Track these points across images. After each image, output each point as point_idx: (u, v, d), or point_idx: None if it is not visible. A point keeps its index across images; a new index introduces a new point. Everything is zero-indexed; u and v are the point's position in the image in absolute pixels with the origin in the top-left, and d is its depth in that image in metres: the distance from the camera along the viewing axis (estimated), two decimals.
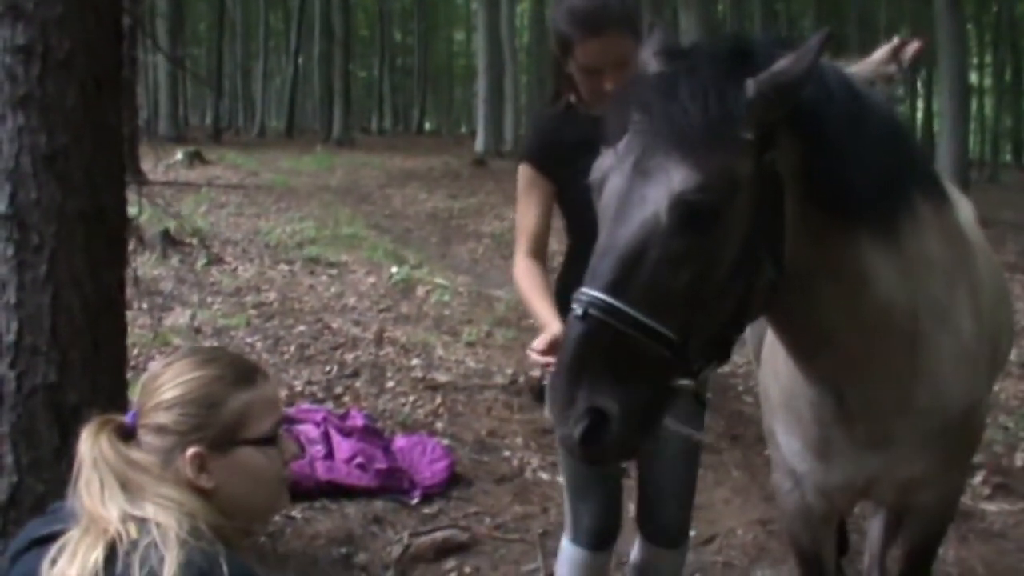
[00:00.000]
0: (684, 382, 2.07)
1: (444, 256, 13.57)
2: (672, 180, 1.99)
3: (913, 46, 4.48)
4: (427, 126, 67.56)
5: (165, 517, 1.76)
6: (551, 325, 2.68)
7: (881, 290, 2.37)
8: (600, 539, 3.37)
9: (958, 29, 19.90)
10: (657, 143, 2.04)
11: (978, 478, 5.78)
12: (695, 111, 2.00)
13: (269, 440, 1.95)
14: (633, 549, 3.59)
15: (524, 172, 3.16)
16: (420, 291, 10.23)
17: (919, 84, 44.26)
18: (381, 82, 61.27)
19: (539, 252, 3.18)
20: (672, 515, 3.42)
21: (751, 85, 2.02)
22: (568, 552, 3.43)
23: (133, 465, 1.84)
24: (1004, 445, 6.36)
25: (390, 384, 6.92)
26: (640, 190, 2.03)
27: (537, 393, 2.97)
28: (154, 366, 2.01)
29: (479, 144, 32.64)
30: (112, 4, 3.44)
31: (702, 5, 16.01)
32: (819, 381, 2.59)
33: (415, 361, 7.52)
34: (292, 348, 7.60)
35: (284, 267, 10.94)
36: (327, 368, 7.14)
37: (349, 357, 7.47)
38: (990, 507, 5.45)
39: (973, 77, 53.31)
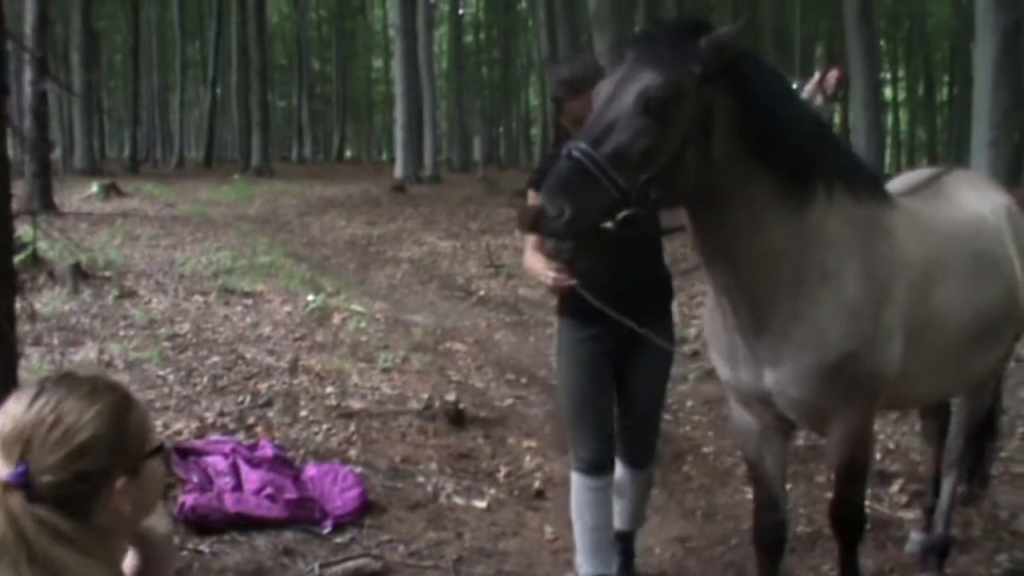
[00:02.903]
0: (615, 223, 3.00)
1: (362, 283, 13.49)
2: (641, 80, 3.03)
3: (833, 75, 4.73)
4: (347, 153, 67.33)
5: None
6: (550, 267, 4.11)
7: (774, 237, 3.28)
8: (594, 467, 4.34)
9: (869, 45, 20.28)
10: (637, 64, 3.09)
11: (895, 486, 5.87)
12: (664, 48, 3.07)
13: (161, 445, 1.91)
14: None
15: (531, 196, 4.14)
16: (336, 319, 10.13)
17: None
18: (300, 111, 60.87)
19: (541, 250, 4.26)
20: (637, 443, 4.48)
21: (703, 40, 3.05)
22: (573, 478, 4.43)
23: (59, 537, 1.71)
24: (920, 452, 6.44)
25: (303, 413, 6.82)
26: (621, 88, 3.08)
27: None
28: (19, 413, 1.79)
29: (398, 170, 32.57)
30: None
31: (615, 24, 16.11)
32: (720, 290, 3.49)
33: (329, 389, 7.43)
34: (205, 379, 7.47)
35: (199, 298, 10.78)
36: (240, 398, 7.03)
37: (263, 387, 7.36)
38: (907, 515, 5.51)
39: (888, 91, 54.52)
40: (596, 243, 3.76)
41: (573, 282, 4.06)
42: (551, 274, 4.06)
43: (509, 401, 7.77)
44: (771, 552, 3.98)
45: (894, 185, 4.32)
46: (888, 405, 4.29)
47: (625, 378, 4.43)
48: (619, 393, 4.46)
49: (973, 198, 4.20)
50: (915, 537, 4.99)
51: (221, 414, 6.63)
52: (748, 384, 3.64)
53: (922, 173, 4.64)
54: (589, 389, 4.38)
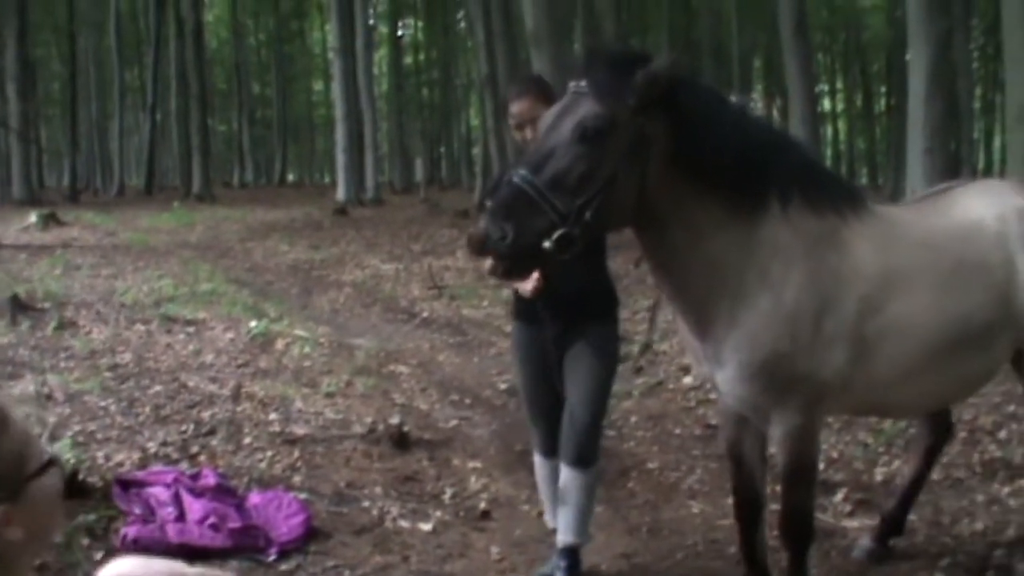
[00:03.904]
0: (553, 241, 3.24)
1: (305, 307, 13.43)
2: (578, 112, 3.32)
3: None
4: (289, 177, 67.09)
5: None
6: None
7: (714, 252, 3.55)
8: (544, 451, 4.87)
9: (806, 58, 20.49)
10: (577, 96, 3.38)
11: (839, 495, 5.93)
12: (603, 81, 3.33)
13: (49, 462, 1.85)
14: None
15: None
16: (279, 344, 10.08)
17: (775, 112, 45.49)
18: (241, 135, 60.47)
19: None
20: (575, 444, 4.59)
21: (640, 74, 3.28)
22: (535, 458, 4.99)
23: None
24: (864, 461, 6.53)
25: (247, 440, 6.79)
26: (561, 118, 3.37)
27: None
28: None
29: (340, 193, 32.54)
30: None
31: (553, 43, 16.20)
32: (668, 298, 3.83)
33: (273, 415, 7.39)
34: (147, 409, 7.40)
35: (140, 327, 10.68)
36: (183, 428, 6.97)
37: (205, 415, 7.31)
38: (851, 523, 5.57)
39: (826, 103, 55.17)
40: None
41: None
42: (529, 285, 4.41)
43: (454, 422, 7.77)
44: (750, 523, 4.23)
45: (916, 196, 4.54)
46: (870, 412, 4.55)
47: (561, 377, 4.69)
48: (566, 386, 4.71)
49: (978, 204, 4.23)
50: (864, 544, 5.08)
51: (164, 444, 6.58)
52: (710, 379, 4.02)
53: (952, 184, 4.76)
54: (531, 385, 4.83)
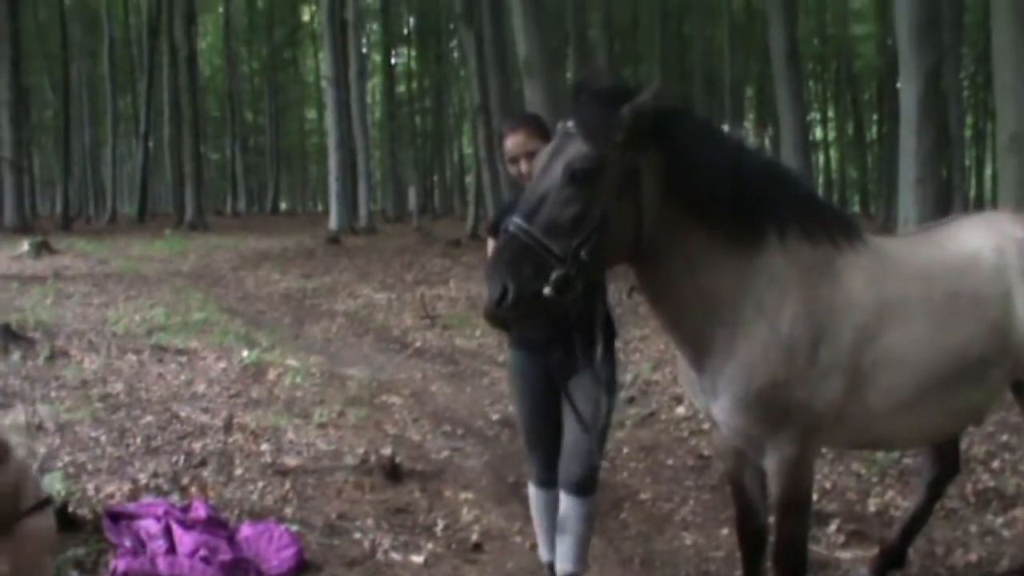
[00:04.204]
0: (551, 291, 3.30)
1: (297, 337, 13.41)
2: (567, 155, 3.36)
3: None
4: (282, 206, 67.20)
5: None
6: None
7: (710, 283, 3.58)
8: (540, 482, 4.86)
9: (798, 86, 20.61)
10: (566, 136, 3.42)
11: (832, 526, 5.91)
12: (590, 118, 3.38)
13: (46, 500, 1.85)
14: None
15: (491, 243, 4.58)
16: (272, 374, 10.07)
17: (767, 141, 45.69)
18: (234, 163, 60.63)
19: None
20: (576, 472, 4.58)
21: (626, 109, 3.33)
22: (530, 490, 4.96)
23: None
24: (857, 492, 6.52)
25: (238, 472, 6.76)
26: (552, 160, 3.41)
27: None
28: None
29: (333, 222, 32.57)
30: None
31: (546, 72, 16.28)
32: (664, 330, 3.91)
33: (264, 446, 7.37)
34: (138, 440, 7.37)
35: (132, 357, 10.65)
36: (174, 459, 6.95)
37: (197, 446, 7.28)
38: (844, 555, 5.55)
39: (818, 131, 55.35)
40: None
41: None
42: None
43: (446, 453, 7.75)
44: (753, 553, 4.27)
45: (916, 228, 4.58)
46: (865, 445, 4.62)
47: (560, 406, 4.68)
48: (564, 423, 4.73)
49: (975, 236, 4.23)
50: (861, 575, 5.08)
51: (155, 475, 6.55)
52: (706, 411, 4.01)
53: (953, 217, 4.80)
54: (530, 414, 4.83)
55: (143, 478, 6.49)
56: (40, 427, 7.48)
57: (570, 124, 3.45)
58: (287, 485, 6.55)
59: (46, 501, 1.85)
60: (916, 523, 5.01)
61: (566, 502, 4.64)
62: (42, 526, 1.84)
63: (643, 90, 3.41)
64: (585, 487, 4.62)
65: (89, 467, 6.65)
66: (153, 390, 9.15)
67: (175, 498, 6.05)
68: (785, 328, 3.62)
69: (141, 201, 45.38)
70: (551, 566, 4.84)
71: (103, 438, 7.37)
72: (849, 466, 6.91)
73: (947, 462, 4.94)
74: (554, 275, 3.27)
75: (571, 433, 4.63)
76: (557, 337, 4.55)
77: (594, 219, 3.33)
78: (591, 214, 3.32)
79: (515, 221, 3.35)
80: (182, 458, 6.99)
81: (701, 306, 3.63)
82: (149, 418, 8.05)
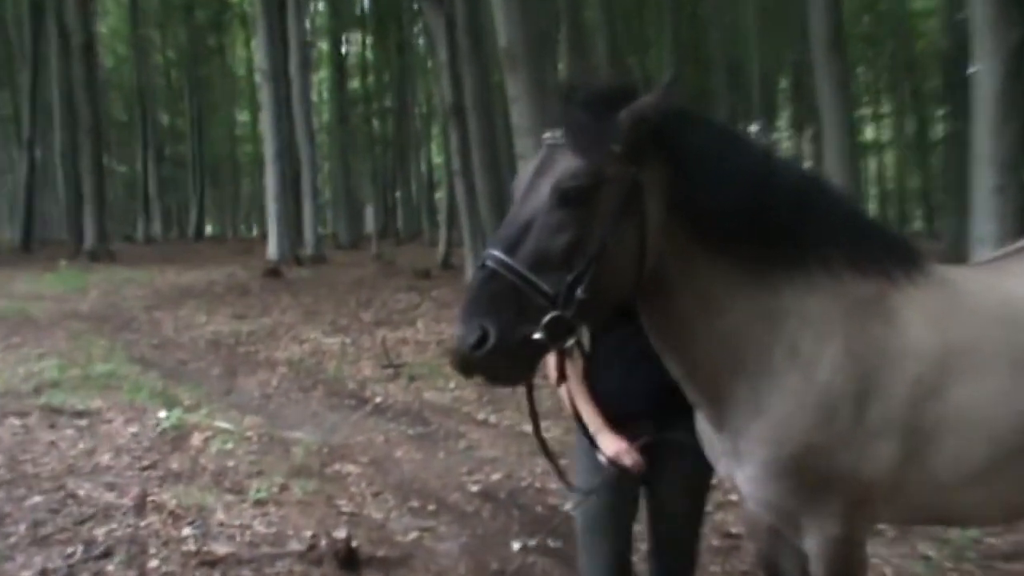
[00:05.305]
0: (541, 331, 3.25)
1: (228, 393, 13.42)
2: (555, 172, 3.32)
3: None
4: (208, 230, 67.30)
5: None
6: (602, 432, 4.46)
7: (731, 322, 3.55)
8: None
9: (843, 75, 20.29)
10: (553, 150, 3.40)
11: None
12: (582, 129, 3.33)
13: None
14: None
15: None
16: (196, 439, 10.02)
17: (805, 145, 45.92)
18: (146, 177, 60.58)
19: None
20: (670, 563, 4.69)
21: (624, 114, 3.31)
22: None
23: None
24: None
25: (153, 564, 6.71)
26: (537, 179, 3.37)
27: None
28: None
29: (272, 250, 32.62)
30: None
31: (531, 64, 16.32)
32: (678, 380, 3.78)
33: (187, 531, 7.31)
34: (22, 527, 7.29)
35: (15, 421, 10.57)
36: (69, 550, 6.87)
37: (100, 532, 7.21)
38: None
39: (869, 132, 55.28)
40: (608, 338, 4.40)
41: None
42: (627, 458, 4.40)
43: (414, 535, 7.73)
44: None
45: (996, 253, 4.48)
46: (930, 520, 4.41)
47: (649, 495, 4.67)
48: (646, 511, 4.74)
49: None
50: None
51: (43, 572, 6.49)
52: (729, 479, 3.98)
53: None
54: (600, 508, 4.60)
55: None
56: None
57: (558, 134, 3.41)
58: None
59: None
60: None
61: None
62: None
63: (649, 89, 3.38)
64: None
65: None
66: (43, 463, 9.07)
67: None
68: (823, 378, 3.57)
69: (26, 225, 45.19)
70: None
71: None
72: (915, 547, 6.90)
73: None
74: (546, 318, 3.23)
75: (661, 525, 4.71)
76: (646, 405, 4.45)
77: (590, 249, 3.29)
78: (586, 242, 3.29)
79: (493, 254, 3.28)
80: (80, 549, 6.92)
81: (720, 350, 3.60)
82: (37, 499, 7.97)
